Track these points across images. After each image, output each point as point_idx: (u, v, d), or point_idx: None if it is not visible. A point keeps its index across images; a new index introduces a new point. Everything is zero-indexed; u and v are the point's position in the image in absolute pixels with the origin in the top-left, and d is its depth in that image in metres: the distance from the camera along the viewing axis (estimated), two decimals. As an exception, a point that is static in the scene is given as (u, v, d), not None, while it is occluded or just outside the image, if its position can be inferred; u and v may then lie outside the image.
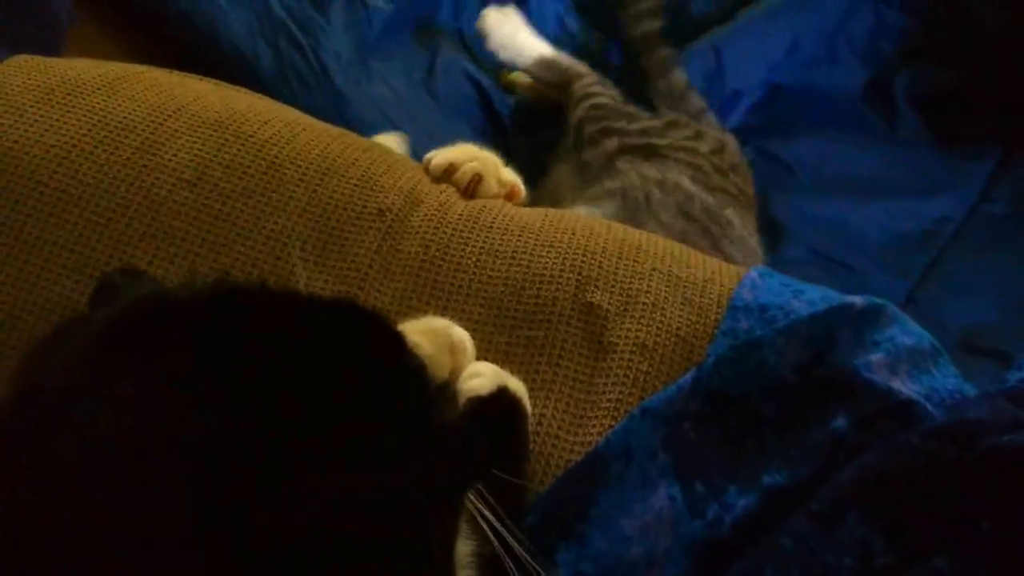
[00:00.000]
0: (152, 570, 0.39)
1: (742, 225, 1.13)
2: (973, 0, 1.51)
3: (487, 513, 0.55)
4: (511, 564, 0.54)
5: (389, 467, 0.46)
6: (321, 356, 0.46)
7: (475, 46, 1.44)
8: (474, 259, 0.75)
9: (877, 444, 0.61)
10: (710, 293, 0.72)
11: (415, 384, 0.51)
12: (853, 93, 1.50)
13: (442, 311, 0.73)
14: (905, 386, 0.64)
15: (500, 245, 0.76)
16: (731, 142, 1.29)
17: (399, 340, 0.52)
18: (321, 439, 0.43)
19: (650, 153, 1.16)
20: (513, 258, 0.75)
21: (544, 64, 1.29)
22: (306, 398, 0.44)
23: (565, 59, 1.30)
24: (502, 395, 0.61)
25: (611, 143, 1.17)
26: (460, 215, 0.78)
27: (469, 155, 0.82)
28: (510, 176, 0.85)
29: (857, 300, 0.68)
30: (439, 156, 0.82)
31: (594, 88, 1.26)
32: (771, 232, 1.31)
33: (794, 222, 1.36)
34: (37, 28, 1.12)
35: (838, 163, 1.43)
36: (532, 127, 1.34)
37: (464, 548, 0.56)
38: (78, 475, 0.41)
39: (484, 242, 0.76)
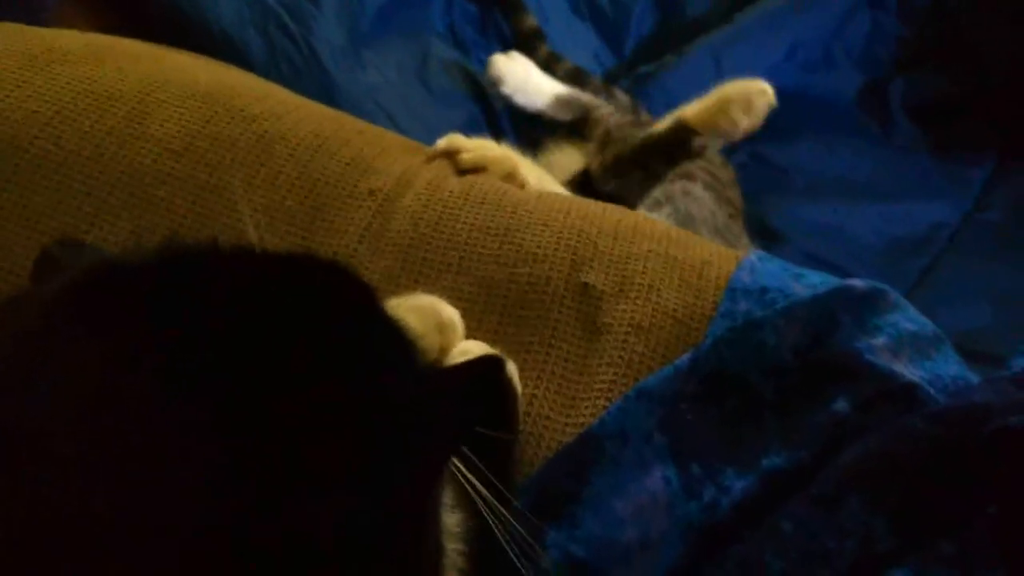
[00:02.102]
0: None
1: (742, 237, 1.14)
2: (964, 16, 1.51)
3: (476, 483, 0.53)
4: (501, 534, 0.52)
5: (368, 431, 0.43)
6: (286, 312, 0.44)
7: (466, 42, 1.43)
8: (465, 236, 0.73)
9: (880, 427, 0.59)
10: (708, 275, 0.71)
11: (390, 335, 0.48)
12: (848, 99, 1.50)
13: (432, 289, 0.71)
14: (908, 370, 0.62)
15: (492, 222, 0.74)
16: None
17: (369, 291, 0.49)
18: (294, 401, 0.41)
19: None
20: (505, 236, 0.73)
21: (561, 103, 1.29)
22: (273, 361, 0.42)
23: (579, 94, 1.31)
24: (490, 359, 0.58)
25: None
26: (451, 191, 0.76)
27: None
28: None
29: (859, 283, 0.67)
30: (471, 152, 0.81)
31: (611, 114, 1.27)
32: (766, 236, 1.30)
33: (789, 226, 1.35)
34: (19, 11, 1.10)
35: (833, 168, 1.42)
36: (526, 118, 1.32)
37: (452, 519, 0.54)
38: (29, 458, 0.39)
39: (475, 218, 0.74)
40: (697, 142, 1.20)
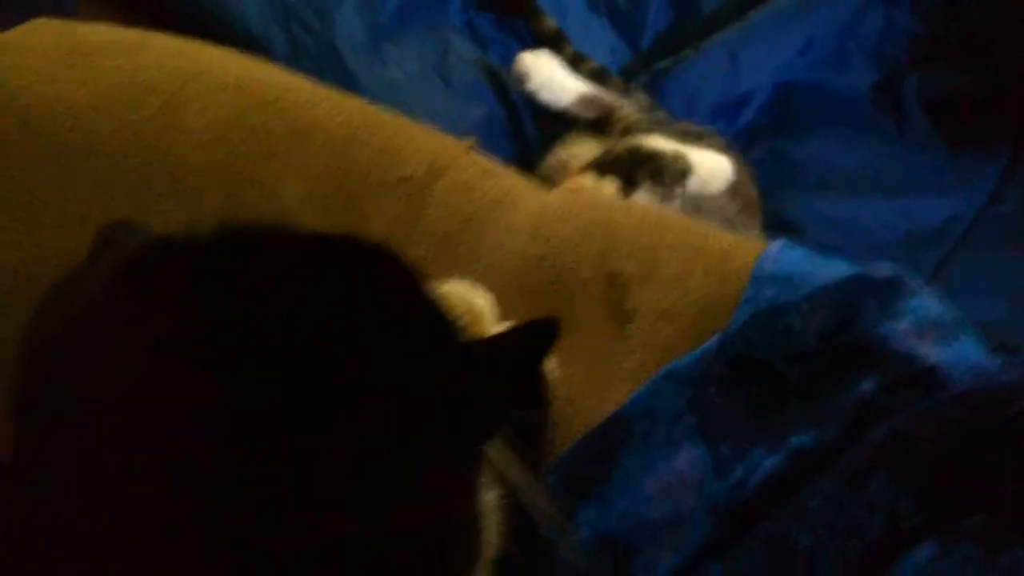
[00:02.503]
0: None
1: (752, 232, 1.15)
2: (976, 12, 1.52)
3: (511, 461, 0.54)
4: (536, 511, 0.53)
5: (416, 413, 0.45)
6: (334, 293, 0.45)
7: (485, 38, 1.44)
8: (496, 234, 0.75)
9: (905, 409, 0.60)
10: (732, 264, 0.72)
11: (434, 316, 0.50)
12: (862, 95, 1.50)
13: (463, 279, 0.72)
14: (931, 353, 0.64)
15: (522, 222, 0.76)
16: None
17: (413, 273, 0.51)
18: (342, 382, 0.43)
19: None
20: (534, 232, 0.75)
21: (585, 101, 1.30)
22: (322, 336, 0.43)
23: (603, 93, 1.32)
24: (544, 322, 0.59)
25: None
26: (484, 193, 0.77)
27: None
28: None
29: (882, 269, 0.68)
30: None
31: (634, 113, 1.28)
32: (782, 230, 1.31)
33: (805, 220, 1.36)
34: (47, 10, 1.11)
35: (848, 163, 1.43)
36: (545, 113, 1.33)
37: (489, 495, 0.55)
38: (96, 411, 0.41)
39: (507, 220, 0.76)
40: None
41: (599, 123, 1.31)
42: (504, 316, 0.70)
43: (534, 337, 0.50)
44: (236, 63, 0.83)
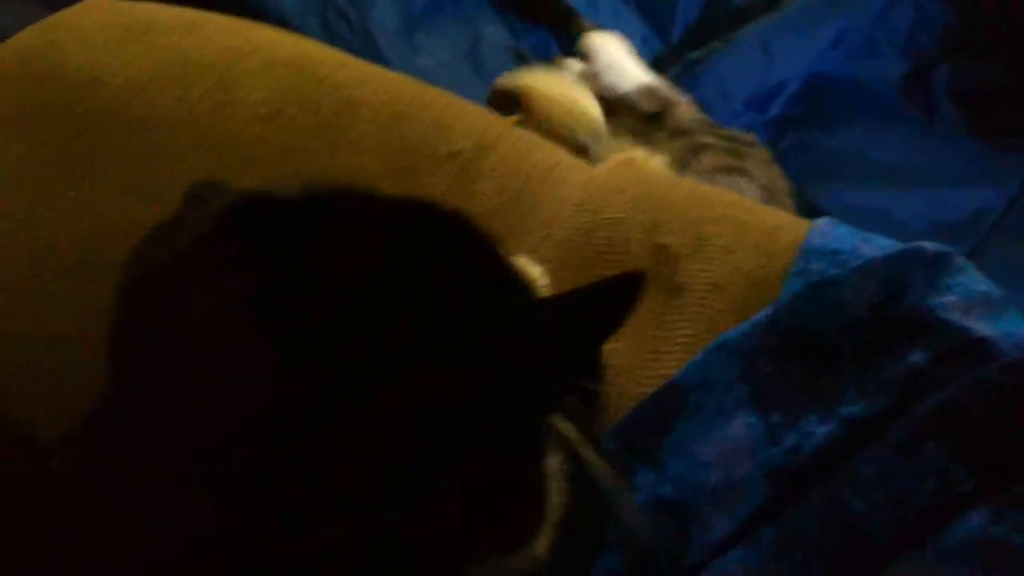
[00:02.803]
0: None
1: None
2: (1008, 3, 1.52)
3: (571, 427, 0.55)
4: (596, 473, 0.54)
5: (490, 375, 0.46)
6: (413, 252, 0.46)
7: (517, 27, 1.45)
8: (546, 206, 0.75)
9: (955, 379, 0.61)
10: (781, 238, 0.73)
11: (512, 281, 0.51)
12: (892, 86, 1.50)
13: (513, 252, 0.73)
14: (980, 327, 0.64)
15: (571, 194, 0.77)
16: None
17: (494, 239, 0.51)
18: (425, 345, 0.43)
19: (736, 156, 1.18)
20: (583, 204, 0.76)
21: (647, 91, 1.28)
22: (407, 299, 0.44)
23: (665, 87, 1.31)
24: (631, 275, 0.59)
25: (705, 139, 1.18)
26: (534, 166, 0.78)
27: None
28: None
29: (930, 245, 0.68)
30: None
31: (690, 113, 1.28)
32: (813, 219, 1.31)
33: (836, 211, 1.34)
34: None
35: (879, 153, 1.43)
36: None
37: (553, 460, 0.56)
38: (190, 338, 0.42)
39: (555, 192, 0.77)
40: None
41: (652, 116, 1.30)
42: (556, 287, 0.71)
43: (621, 290, 0.50)
44: (287, 41, 0.85)
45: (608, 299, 0.49)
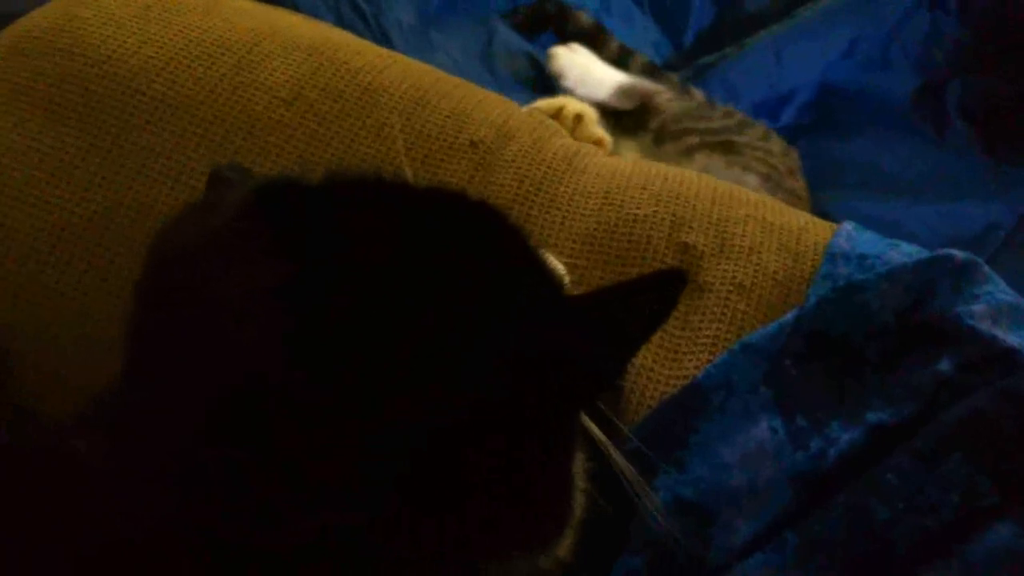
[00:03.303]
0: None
1: None
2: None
3: (595, 428, 0.54)
4: (619, 471, 0.53)
5: (510, 372, 0.44)
6: (437, 241, 0.45)
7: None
8: (567, 198, 0.74)
9: (982, 388, 0.60)
10: (806, 240, 0.72)
11: (540, 273, 0.49)
12: (903, 98, 1.50)
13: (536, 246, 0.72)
14: (1007, 336, 0.63)
15: (593, 186, 0.75)
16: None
17: (521, 230, 0.50)
18: (448, 335, 0.42)
19: (728, 149, 1.17)
20: (606, 198, 0.74)
21: (623, 92, 1.30)
22: (420, 291, 0.43)
23: (640, 82, 1.31)
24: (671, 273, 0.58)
25: (692, 139, 1.18)
26: (554, 154, 0.77)
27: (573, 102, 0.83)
28: (600, 131, 0.85)
29: (959, 253, 0.68)
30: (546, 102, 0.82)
31: (671, 100, 1.28)
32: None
33: (845, 219, 1.35)
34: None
35: (889, 165, 1.43)
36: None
37: (578, 457, 0.55)
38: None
39: (577, 183, 0.76)
40: None
41: (637, 113, 1.30)
42: (579, 283, 0.70)
43: (662, 288, 0.48)
44: (306, 25, 0.84)
45: (648, 296, 0.48)
